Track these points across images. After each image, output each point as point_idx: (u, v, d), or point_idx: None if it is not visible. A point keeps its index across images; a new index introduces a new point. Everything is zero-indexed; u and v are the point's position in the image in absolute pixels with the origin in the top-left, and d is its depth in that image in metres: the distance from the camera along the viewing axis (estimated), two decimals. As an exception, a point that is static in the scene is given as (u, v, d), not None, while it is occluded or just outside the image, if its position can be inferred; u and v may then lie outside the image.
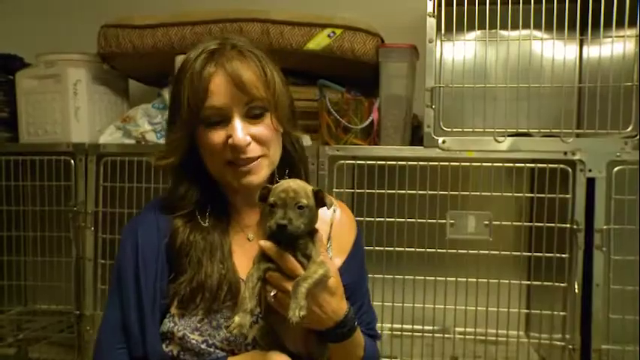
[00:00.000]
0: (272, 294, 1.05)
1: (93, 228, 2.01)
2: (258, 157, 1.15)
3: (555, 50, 1.78)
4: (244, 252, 1.20)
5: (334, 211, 1.28)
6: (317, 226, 1.10)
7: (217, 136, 1.13)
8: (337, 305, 1.09)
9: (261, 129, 1.15)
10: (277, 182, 1.12)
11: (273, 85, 1.15)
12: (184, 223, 1.19)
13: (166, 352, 1.14)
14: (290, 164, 1.25)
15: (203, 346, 1.13)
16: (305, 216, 1.04)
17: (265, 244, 1.05)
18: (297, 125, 1.26)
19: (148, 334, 1.13)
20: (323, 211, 1.13)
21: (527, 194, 1.89)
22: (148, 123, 2.03)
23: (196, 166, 1.20)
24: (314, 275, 1.02)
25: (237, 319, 1.02)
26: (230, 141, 1.12)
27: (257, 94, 1.13)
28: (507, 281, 1.86)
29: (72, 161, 2.02)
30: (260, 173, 1.17)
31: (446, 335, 1.94)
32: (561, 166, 1.75)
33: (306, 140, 1.93)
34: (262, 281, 1.07)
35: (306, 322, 1.02)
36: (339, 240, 1.27)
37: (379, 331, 1.38)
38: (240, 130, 1.12)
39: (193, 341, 1.13)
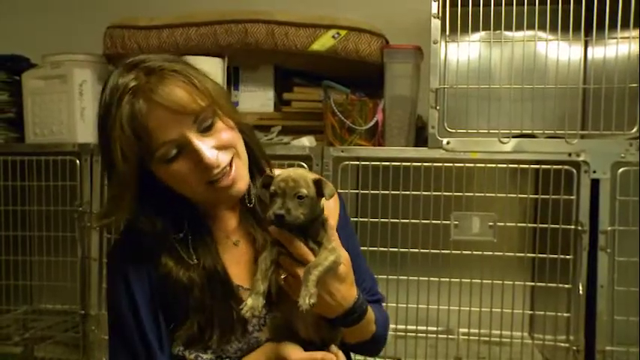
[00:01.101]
0: (282, 277, 1.06)
1: (98, 228, 2.02)
2: (231, 162, 1.09)
3: (560, 51, 1.79)
4: (233, 257, 1.18)
5: None
6: (330, 220, 1.10)
7: (182, 165, 1.06)
8: (347, 292, 1.09)
9: (220, 135, 1.08)
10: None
11: (207, 90, 1.07)
12: (175, 263, 1.12)
13: None
14: (249, 153, 1.18)
15: None
16: (305, 205, 1.02)
17: (274, 230, 1.05)
18: (237, 112, 1.20)
19: None
20: None
21: (531, 195, 1.89)
22: (153, 123, 2.04)
23: (151, 199, 1.11)
24: (324, 262, 1.03)
25: (249, 301, 1.02)
26: (201, 165, 1.05)
27: (198, 107, 1.04)
28: (511, 282, 1.86)
29: (77, 161, 2.02)
30: (243, 177, 1.13)
31: (450, 336, 1.94)
32: (566, 167, 1.74)
33: (311, 141, 1.93)
34: (275, 265, 1.07)
35: (316, 309, 1.03)
36: (328, 213, 1.20)
37: (382, 294, 1.36)
38: (206, 149, 1.05)
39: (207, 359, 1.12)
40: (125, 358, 1.13)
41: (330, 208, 1.24)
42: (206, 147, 1.05)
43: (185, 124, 1.04)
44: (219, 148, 1.07)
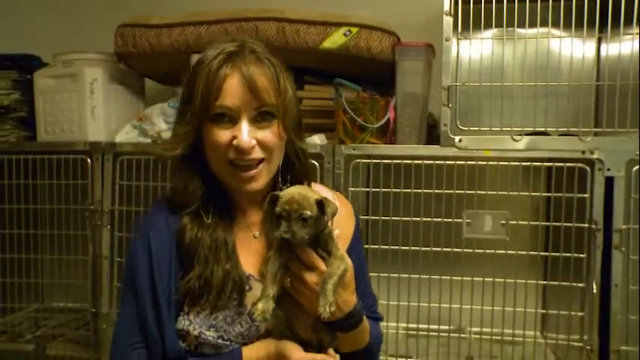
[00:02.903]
0: (289, 280, 1.13)
1: (109, 226, 2.03)
2: (260, 162, 1.18)
3: (573, 48, 1.76)
4: (250, 248, 1.25)
5: None
6: (335, 230, 1.17)
7: (223, 134, 1.16)
8: (348, 298, 1.15)
9: (267, 134, 1.18)
10: (280, 188, 1.19)
11: (284, 93, 1.18)
12: (191, 221, 1.21)
13: (183, 347, 1.17)
14: (291, 171, 1.27)
15: (219, 341, 1.18)
16: (309, 226, 1.09)
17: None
18: (302, 137, 1.30)
19: (166, 331, 1.16)
20: None
21: (544, 193, 1.87)
22: (164, 122, 2.04)
23: (201, 162, 1.23)
24: (337, 271, 1.10)
25: (260, 305, 1.09)
26: (235, 142, 1.15)
27: (267, 100, 1.16)
28: (524, 281, 1.85)
29: (88, 160, 2.03)
30: (260, 180, 1.20)
31: (461, 335, 1.94)
32: (579, 165, 1.73)
33: (322, 139, 1.93)
34: (284, 269, 1.13)
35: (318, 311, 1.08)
36: (340, 230, 1.27)
37: (381, 314, 1.42)
38: (246, 133, 1.15)
39: (210, 337, 1.17)
40: (133, 315, 1.19)
41: (345, 223, 1.31)
42: (247, 131, 1.15)
43: (247, 105, 1.15)
44: (259, 143, 1.17)
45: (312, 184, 1.33)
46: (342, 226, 1.29)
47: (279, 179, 1.26)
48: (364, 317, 1.21)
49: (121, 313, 1.23)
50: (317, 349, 1.18)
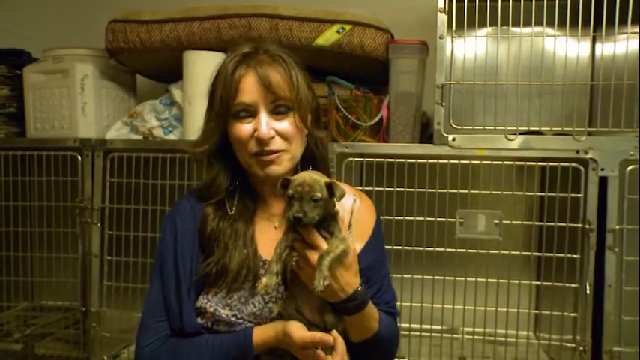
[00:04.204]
0: (294, 259, 1.20)
1: (99, 224, 2.01)
2: (280, 151, 1.27)
3: (567, 47, 1.76)
4: (270, 238, 1.30)
5: (354, 200, 1.40)
6: (340, 213, 1.23)
7: (245, 129, 1.26)
8: (350, 279, 1.20)
9: (285, 125, 1.27)
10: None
11: (297, 87, 1.27)
12: (214, 210, 1.32)
13: (201, 324, 1.27)
14: (313, 162, 1.36)
15: (233, 319, 1.26)
16: (319, 207, 1.15)
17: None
18: (320, 127, 1.38)
19: (185, 309, 1.26)
20: (345, 201, 1.26)
21: (538, 193, 1.87)
22: (156, 119, 2.03)
23: (228, 157, 1.34)
24: (336, 250, 1.16)
25: (264, 279, 1.16)
26: (256, 134, 1.25)
27: (282, 93, 1.25)
28: (517, 281, 1.84)
29: (79, 157, 2.01)
30: (281, 165, 1.28)
31: (454, 335, 1.93)
32: (573, 164, 1.72)
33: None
34: (289, 249, 1.19)
35: (322, 291, 1.13)
36: (360, 226, 1.37)
37: (398, 309, 1.45)
38: (265, 125, 1.24)
39: (224, 315, 1.25)
40: (159, 295, 1.30)
41: (365, 219, 1.40)
42: (266, 122, 1.25)
43: (264, 99, 1.25)
44: (278, 134, 1.26)
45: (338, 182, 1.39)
46: (363, 221, 1.39)
47: (299, 169, 1.33)
48: (370, 303, 1.26)
49: (150, 289, 1.34)
50: (322, 330, 1.22)
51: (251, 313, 1.27)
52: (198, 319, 1.28)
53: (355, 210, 1.39)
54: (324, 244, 1.17)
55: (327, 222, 1.19)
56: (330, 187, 1.17)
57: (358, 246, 1.33)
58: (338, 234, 1.19)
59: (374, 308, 1.28)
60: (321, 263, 1.13)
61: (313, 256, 1.16)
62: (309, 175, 1.18)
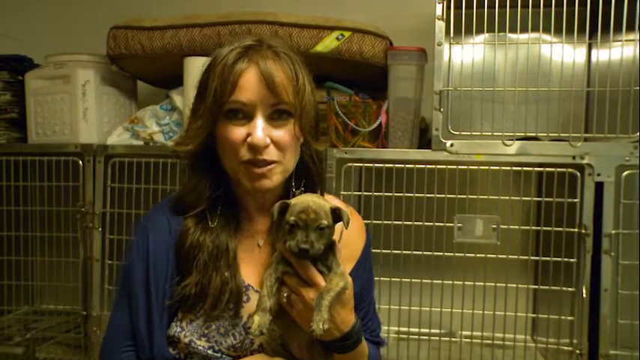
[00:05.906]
0: (285, 295, 1.07)
1: (100, 229, 2.02)
2: (273, 162, 1.12)
3: (564, 54, 1.77)
4: (253, 258, 1.20)
5: None
6: (337, 242, 1.11)
7: (237, 132, 1.11)
8: (346, 317, 1.09)
9: (282, 133, 1.12)
10: (292, 193, 1.15)
11: (303, 92, 1.12)
12: (195, 224, 1.17)
13: (172, 354, 1.14)
14: (306, 175, 1.23)
15: (210, 351, 1.13)
16: (325, 236, 1.04)
17: (286, 251, 1.06)
18: (319, 138, 1.23)
19: (156, 337, 1.13)
20: None
21: (535, 198, 1.88)
22: (156, 124, 2.04)
23: (212, 161, 1.18)
24: (336, 288, 1.04)
25: (257, 318, 1.03)
26: (249, 139, 1.10)
27: (285, 97, 1.10)
28: (515, 285, 1.85)
29: (80, 162, 2.02)
30: (273, 178, 1.14)
31: (452, 339, 1.94)
32: (569, 170, 1.74)
33: (314, 143, 1.93)
34: (279, 282, 1.08)
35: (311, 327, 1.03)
36: (349, 247, 1.24)
37: (383, 338, 1.36)
38: (261, 130, 1.09)
39: (200, 347, 1.13)
40: (125, 318, 1.16)
41: (354, 240, 1.27)
42: (262, 128, 1.10)
43: (264, 101, 1.10)
44: (273, 142, 1.11)
45: (325, 194, 1.27)
46: (352, 242, 1.25)
47: (293, 183, 1.21)
48: (363, 340, 1.14)
49: (113, 314, 1.20)
50: None
51: (231, 345, 1.14)
52: (170, 350, 1.13)
53: (344, 229, 1.21)
54: (321, 282, 1.04)
55: (325, 254, 1.06)
56: (335, 213, 1.06)
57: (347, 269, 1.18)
58: (336, 269, 1.06)
59: (365, 344, 1.17)
60: (320, 304, 1.01)
61: (309, 294, 1.04)
62: (313, 200, 1.05)
